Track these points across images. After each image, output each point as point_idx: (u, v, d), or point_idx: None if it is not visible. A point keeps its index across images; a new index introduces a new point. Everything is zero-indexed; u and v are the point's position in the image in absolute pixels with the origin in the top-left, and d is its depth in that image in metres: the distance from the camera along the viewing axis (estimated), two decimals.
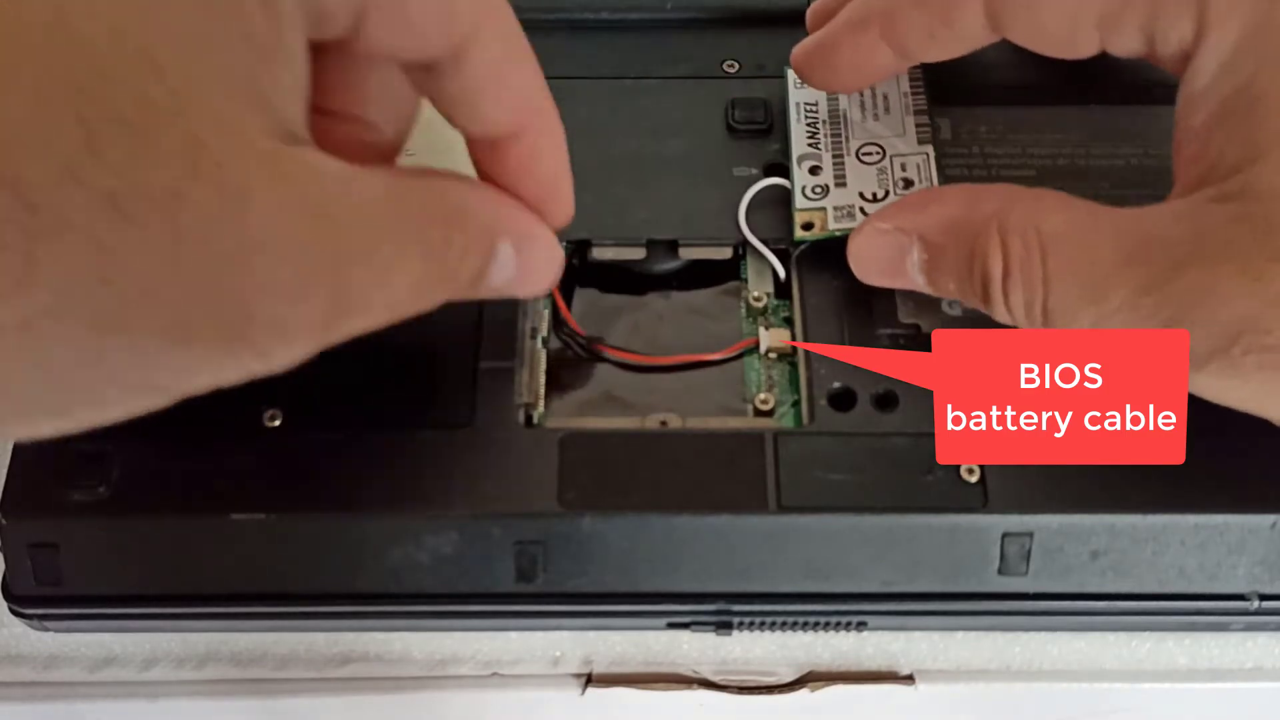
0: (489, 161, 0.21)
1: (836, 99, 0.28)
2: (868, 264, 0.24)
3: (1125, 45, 0.23)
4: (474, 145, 0.21)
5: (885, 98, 0.28)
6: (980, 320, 0.23)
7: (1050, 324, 0.21)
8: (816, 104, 0.28)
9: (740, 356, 0.26)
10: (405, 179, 0.19)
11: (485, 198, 0.21)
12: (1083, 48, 0.23)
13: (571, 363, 0.26)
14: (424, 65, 0.20)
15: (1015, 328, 0.22)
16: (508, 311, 0.25)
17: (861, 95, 0.28)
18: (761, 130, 0.29)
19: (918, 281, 0.23)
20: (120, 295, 0.15)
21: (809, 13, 0.28)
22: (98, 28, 0.14)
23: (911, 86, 0.28)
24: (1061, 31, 0.23)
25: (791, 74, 0.29)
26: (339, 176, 0.17)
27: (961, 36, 0.24)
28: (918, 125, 0.27)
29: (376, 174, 0.18)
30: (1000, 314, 0.22)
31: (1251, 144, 0.20)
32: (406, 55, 0.19)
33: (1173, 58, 0.22)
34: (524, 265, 0.21)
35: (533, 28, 0.19)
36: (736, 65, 0.30)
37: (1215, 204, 0.20)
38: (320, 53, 0.18)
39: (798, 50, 0.27)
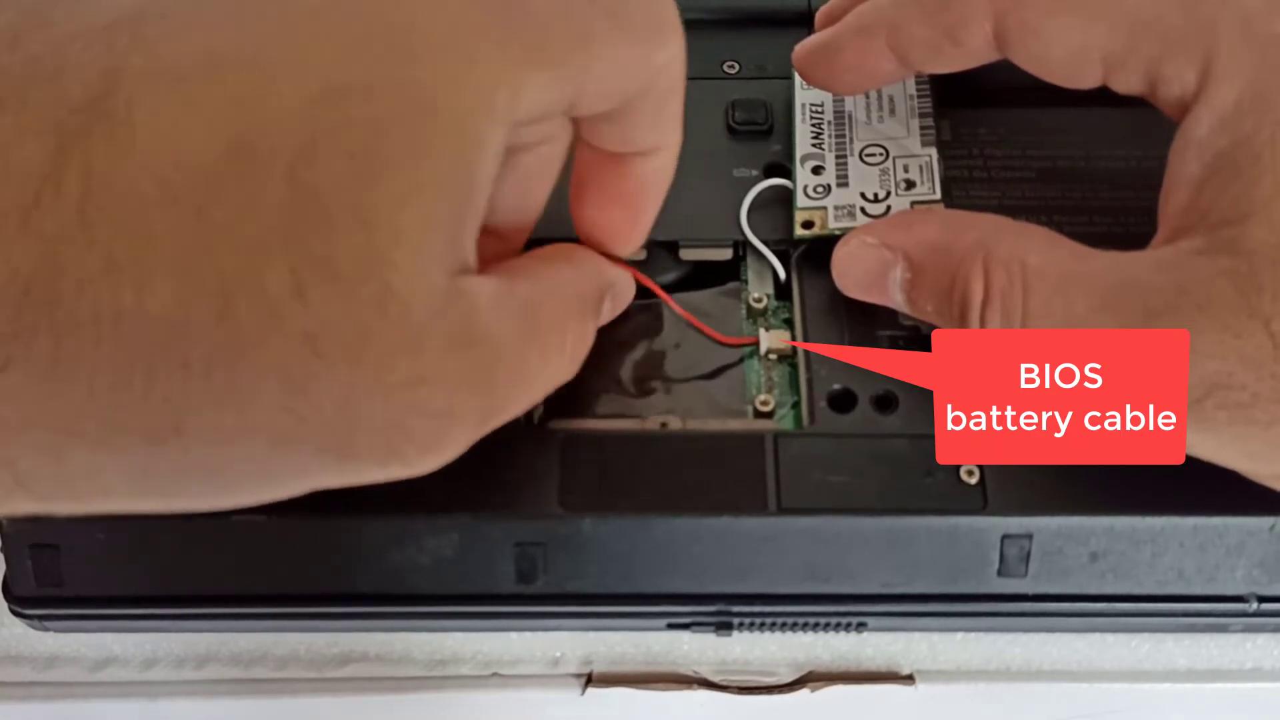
0: (606, 174, 0.22)
1: (842, 100, 0.28)
2: (850, 276, 0.25)
3: (1127, 84, 0.23)
4: (598, 158, 0.22)
5: (891, 99, 0.28)
6: None
7: None
8: (822, 105, 0.28)
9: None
10: (541, 276, 0.21)
11: (591, 266, 0.23)
12: (1084, 80, 0.23)
13: None
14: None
15: None
16: None
17: (867, 97, 0.28)
18: (762, 131, 0.29)
19: (896, 299, 0.24)
20: (296, 419, 0.16)
21: (820, 12, 0.28)
22: (329, 189, 0.16)
23: (918, 89, 0.28)
24: (1065, 63, 0.23)
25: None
26: (495, 300, 0.18)
27: (966, 54, 0.24)
28: (922, 128, 0.27)
29: (520, 283, 0.19)
30: None
31: (1244, 200, 0.20)
32: (603, 109, 0.20)
33: (1172, 104, 0.22)
34: (615, 307, 0.24)
35: None
36: (736, 66, 0.30)
37: (1200, 256, 0.20)
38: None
39: (801, 48, 0.27)
